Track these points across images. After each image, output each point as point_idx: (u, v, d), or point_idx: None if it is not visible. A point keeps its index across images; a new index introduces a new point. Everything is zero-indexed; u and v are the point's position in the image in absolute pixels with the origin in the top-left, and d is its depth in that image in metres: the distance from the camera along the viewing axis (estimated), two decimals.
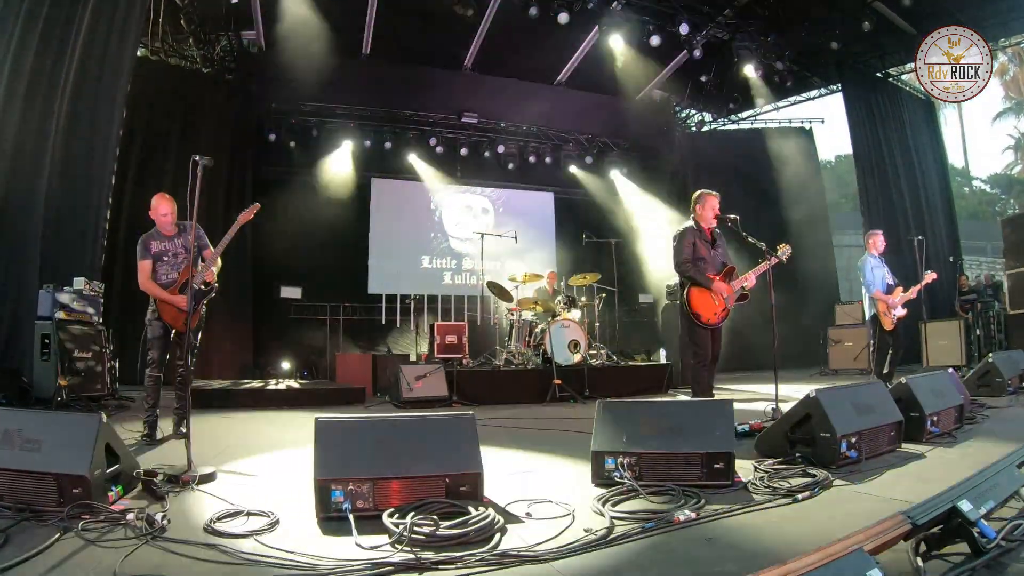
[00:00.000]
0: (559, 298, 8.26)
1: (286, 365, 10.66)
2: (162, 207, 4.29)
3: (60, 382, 5.51)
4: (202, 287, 4.22)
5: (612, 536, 2.05)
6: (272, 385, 8.01)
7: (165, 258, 4.32)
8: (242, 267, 9.97)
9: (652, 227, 12.22)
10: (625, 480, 2.63)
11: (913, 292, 6.07)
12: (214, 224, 8.53)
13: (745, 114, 13.61)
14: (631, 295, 12.42)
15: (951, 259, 11.38)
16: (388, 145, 11.97)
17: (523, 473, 3.22)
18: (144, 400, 4.29)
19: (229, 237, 4.10)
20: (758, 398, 6.21)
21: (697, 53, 10.37)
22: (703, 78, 11.86)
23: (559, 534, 2.08)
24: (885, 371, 5.90)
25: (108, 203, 6.94)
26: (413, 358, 9.27)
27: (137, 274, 4.26)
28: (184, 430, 3.83)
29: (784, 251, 4.67)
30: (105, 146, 6.87)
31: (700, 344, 4.62)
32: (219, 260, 4.34)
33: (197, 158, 3.16)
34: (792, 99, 13.03)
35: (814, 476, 2.70)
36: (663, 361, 8.81)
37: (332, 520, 2.24)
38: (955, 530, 1.75)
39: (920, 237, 7.13)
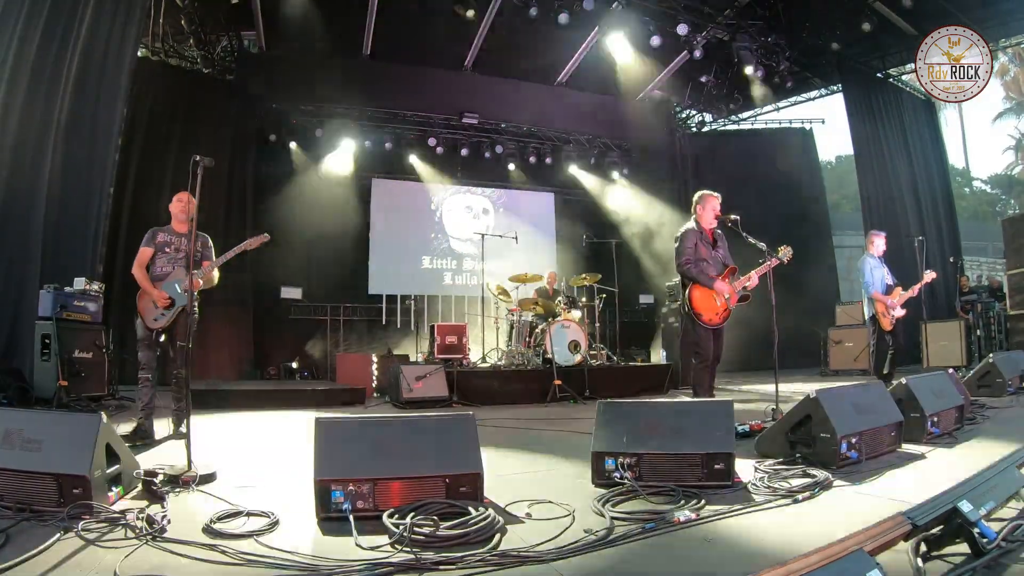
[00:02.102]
0: (559, 299, 8.26)
1: (286, 365, 10.67)
2: (179, 197, 4.30)
3: (60, 382, 5.51)
4: (183, 293, 4.09)
5: (612, 536, 2.04)
6: (272, 385, 8.01)
7: (167, 250, 4.28)
8: (242, 267, 9.95)
9: (652, 228, 12.22)
10: (625, 480, 2.63)
11: (914, 291, 6.05)
12: (214, 226, 8.53)
13: (745, 115, 13.62)
14: (631, 296, 12.42)
15: (951, 259, 11.37)
16: (388, 145, 11.97)
17: (523, 473, 3.23)
18: (138, 400, 4.26)
19: (229, 256, 4.11)
20: (758, 398, 6.21)
21: (697, 54, 10.37)
22: (703, 79, 11.85)
23: (559, 534, 2.07)
24: (885, 371, 5.90)
25: (109, 203, 6.95)
26: (413, 358, 9.27)
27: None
28: (184, 430, 3.82)
29: (785, 252, 4.67)
30: (106, 147, 6.88)
31: (702, 344, 4.62)
32: (216, 273, 4.30)
33: (198, 158, 3.14)
34: (792, 99, 13.04)
35: (814, 477, 2.69)
36: (663, 361, 8.81)
37: (332, 520, 2.24)
38: (955, 531, 1.74)
39: (920, 237, 7.13)
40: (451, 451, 2.44)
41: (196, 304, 4.17)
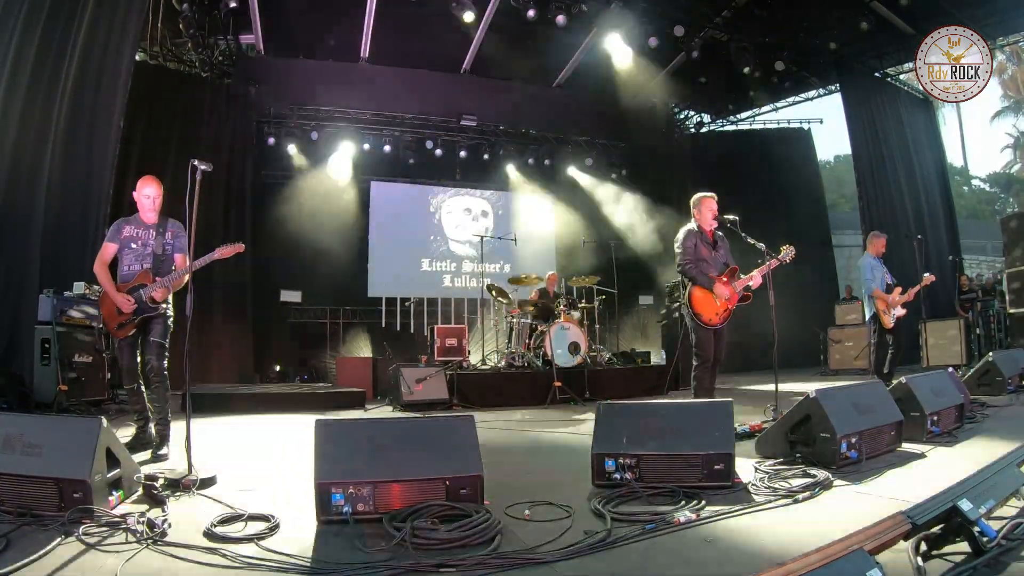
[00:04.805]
0: (559, 300, 8.26)
1: (286, 368, 10.66)
2: (146, 187, 3.84)
3: (60, 387, 5.50)
4: (148, 303, 3.72)
5: (612, 538, 2.05)
6: (272, 388, 8.00)
7: (133, 245, 3.82)
8: (242, 270, 9.96)
9: (651, 229, 12.22)
10: (626, 481, 2.63)
11: (911, 295, 6.05)
12: (212, 229, 8.54)
13: (744, 115, 13.64)
14: (631, 296, 12.41)
15: (951, 258, 11.38)
16: (387, 148, 11.96)
17: (523, 475, 3.23)
18: (130, 409, 4.08)
19: (198, 266, 3.62)
20: (758, 398, 6.21)
21: (695, 54, 10.38)
22: (702, 79, 11.87)
23: (559, 536, 2.08)
24: (885, 371, 5.89)
25: (107, 207, 6.95)
26: (413, 361, 9.26)
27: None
28: (164, 452, 3.70)
29: (787, 252, 4.65)
30: (104, 150, 6.87)
31: (702, 345, 4.62)
32: (187, 278, 3.66)
33: (196, 162, 3.12)
34: (791, 99, 13.06)
35: (814, 476, 2.70)
36: (663, 362, 8.80)
37: (333, 523, 2.24)
38: (955, 529, 1.75)
39: (919, 236, 7.14)
40: (451, 453, 2.45)
41: (169, 305, 3.90)
